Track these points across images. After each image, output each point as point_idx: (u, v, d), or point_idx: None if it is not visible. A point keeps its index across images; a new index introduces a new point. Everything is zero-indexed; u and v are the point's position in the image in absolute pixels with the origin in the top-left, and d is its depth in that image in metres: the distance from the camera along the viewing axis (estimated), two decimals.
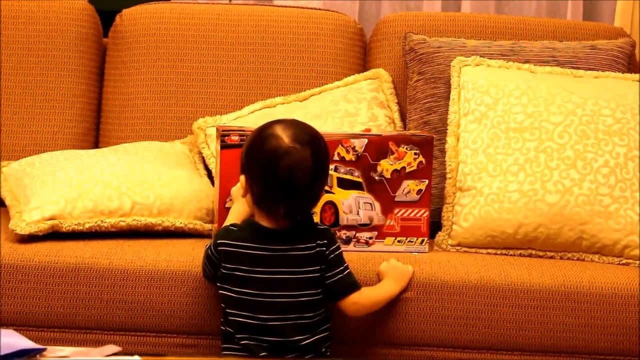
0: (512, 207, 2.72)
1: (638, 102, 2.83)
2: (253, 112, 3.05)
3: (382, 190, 2.67)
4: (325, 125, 2.95)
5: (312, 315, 2.40)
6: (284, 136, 2.36)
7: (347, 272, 2.44)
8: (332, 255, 2.42)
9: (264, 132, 2.40)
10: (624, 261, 2.71)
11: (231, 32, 3.19)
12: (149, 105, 3.15)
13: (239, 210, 2.52)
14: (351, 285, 2.45)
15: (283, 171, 2.34)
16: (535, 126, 2.79)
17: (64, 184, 2.70)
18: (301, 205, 2.40)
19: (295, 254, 2.39)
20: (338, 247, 2.44)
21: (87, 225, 2.66)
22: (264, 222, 2.41)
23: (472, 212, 2.75)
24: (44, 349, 2.22)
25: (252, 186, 2.40)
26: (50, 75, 3.14)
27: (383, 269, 2.55)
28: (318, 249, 2.40)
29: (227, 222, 2.50)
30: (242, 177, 2.43)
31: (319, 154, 2.38)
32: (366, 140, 2.66)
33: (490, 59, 2.99)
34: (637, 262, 2.70)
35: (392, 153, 2.67)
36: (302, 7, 3.31)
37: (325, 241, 2.41)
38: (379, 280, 2.54)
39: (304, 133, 2.39)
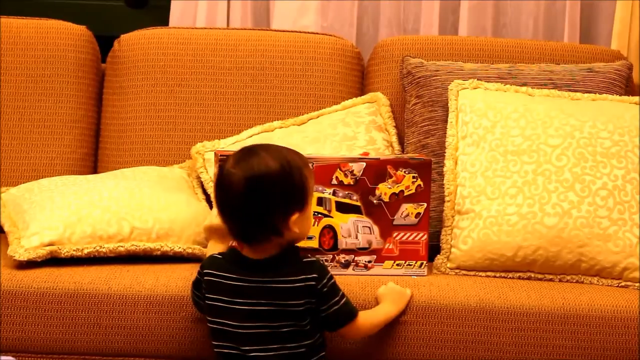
0: (511, 230, 2.72)
1: (636, 124, 2.83)
2: (251, 136, 3.05)
3: (381, 214, 2.67)
4: (324, 149, 2.95)
5: (296, 345, 2.36)
6: (231, 160, 2.36)
7: (343, 300, 2.41)
8: (326, 289, 2.38)
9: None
10: (623, 283, 2.71)
11: (229, 57, 3.19)
12: (147, 130, 3.15)
13: (213, 250, 2.52)
14: (349, 313, 2.42)
15: (218, 194, 2.37)
16: (533, 149, 2.79)
17: (63, 209, 2.70)
18: (244, 231, 2.35)
19: (277, 286, 2.35)
20: (330, 278, 2.39)
21: (85, 251, 2.65)
22: (246, 252, 2.39)
23: (471, 235, 2.75)
24: None
25: None
26: (49, 101, 3.15)
27: (381, 292, 2.54)
28: (306, 283, 2.36)
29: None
30: None
31: (259, 180, 2.31)
32: (364, 164, 2.66)
33: (487, 82, 2.99)
34: (637, 284, 2.70)
35: (391, 176, 2.67)
36: (300, 32, 3.32)
37: (314, 275, 2.36)
38: (377, 304, 2.53)
39: (249, 158, 2.35)
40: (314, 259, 2.42)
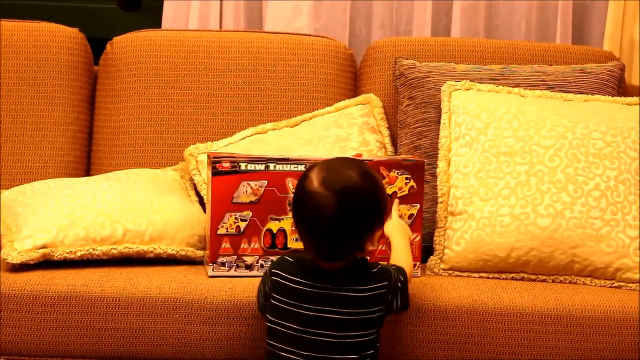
0: (504, 231, 2.72)
1: (628, 125, 2.83)
2: (244, 138, 3.05)
3: None
4: (317, 151, 2.95)
5: (356, 357, 2.34)
6: (313, 178, 2.30)
7: (403, 292, 2.41)
8: (393, 290, 2.37)
9: (302, 174, 2.35)
10: (616, 284, 2.71)
11: (222, 59, 3.19)
12: (141, 132, 3.15)
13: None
14: (405, 300, 2.43)
15: (306, 215, 2.31)
16: (526, 150, 2.79)
17: (56, 212, 2.70)
18: (332, 250, 2.32)
19: (344, 294, 2.33)
20: (393, 275, 2.39)
21: (78, 254, 2.65)
22: (319, 262, 2.35)
23: (464, 236, 2.76)
24: None
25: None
26: (41, 104, 3.15)
27: (390, 229, 2.57)
28: (377, 292, 2.35)
29: None
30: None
31: (348, 198, 2.27)
32: None
33: (480, 83, 2.99)
34: (630, 285, 2.70)
35: (384, 178, 2.67)
36: (293, 33, 3.33)
37: (384, 283, 2.36)
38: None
39: (335, 176, 2.30)
40: (381, 265, 2.41)
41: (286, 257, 2.42)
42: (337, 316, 2.33)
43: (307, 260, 2.37)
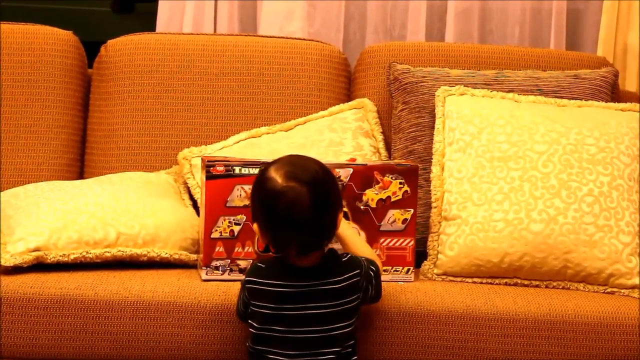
0: (497, 236, 2.72)
1: (621, 130, 2.84)
2: (238, 142, 3.05)
3: (368, 220, 2.67)
4: (310, 155, 2.95)
5: (340, 349, 2.39)
6: (277, 177, 2.34)
7: (376, 274, 2.46)
8: (366, 276, 2.42)
9: (260, 177, 2.38)
10: (609, 290, 2.71)
11: (216, 63, 3.19)
12: (134, 135, 3.14)
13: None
14: (379, 277, 2.47)
15: (281, 212, 2.33)
16: (519, 155, 2.80)
17: (49, 215, 2.69)
18: (311, 241, 2.36)
19: (324, 288, 2.37)
20: (364, 263, 2.43)
21: (72, 257, 2.65)
22: (295, 260, 2.38)
23: (458, 241, 2.76)
24: None
25: (263, 231, 2.38)
26: (35, 106, 3.14)
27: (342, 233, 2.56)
28: (352, 280, 2.40)
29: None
30: (255, 225, 2.41)
31: (317, 188, 2.33)
32: (351, 169, 2.66)
33: (474, 88, 3.00)
34: (623, 290, 2.70)
35: (377, 182, 2.67)
36: (287, 38, 3.32)
37: (357, 271, 2.41)
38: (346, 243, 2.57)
39: (298, 169, 2.35)
40: (350, 255, 2.45)
41: (257, 263, 2.45)
42: (319, 311, 2.36)
43: (279, 262, 2.41)
